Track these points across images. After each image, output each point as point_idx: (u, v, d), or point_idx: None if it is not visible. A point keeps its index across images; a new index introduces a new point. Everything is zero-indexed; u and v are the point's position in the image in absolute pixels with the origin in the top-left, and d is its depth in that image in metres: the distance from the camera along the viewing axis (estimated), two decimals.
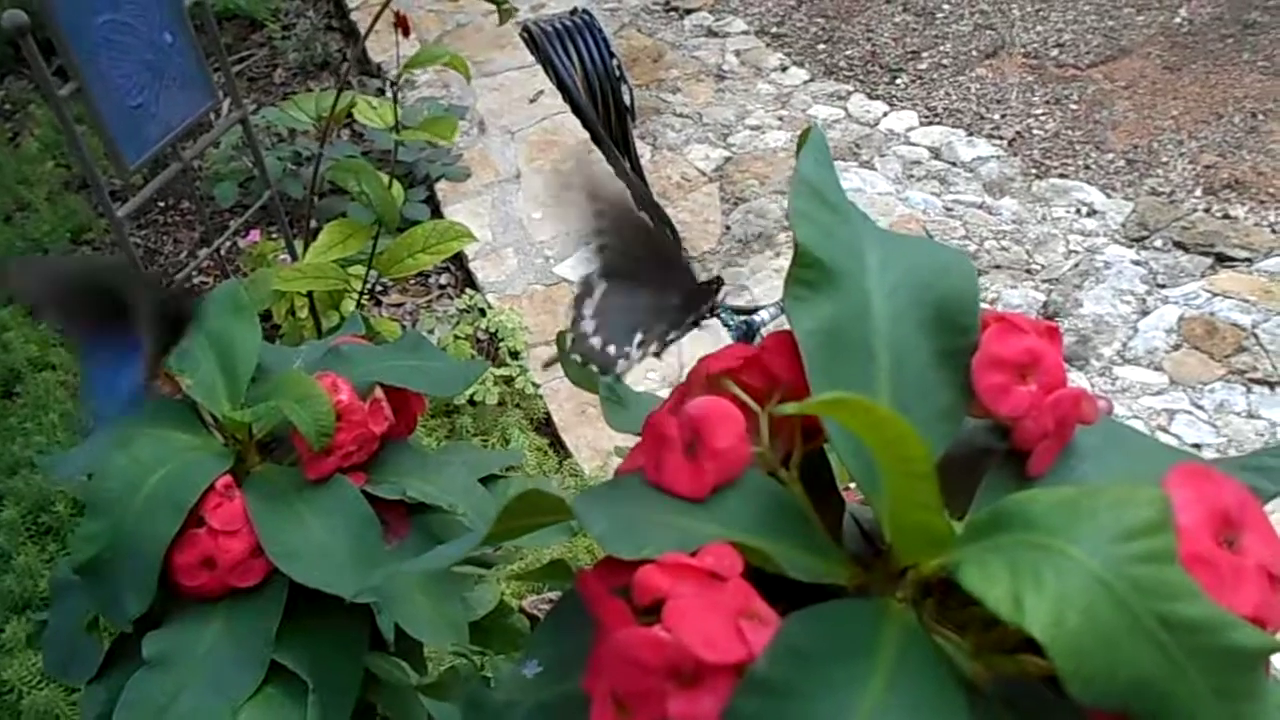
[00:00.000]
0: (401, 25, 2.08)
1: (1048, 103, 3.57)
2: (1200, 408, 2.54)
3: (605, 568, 0.31)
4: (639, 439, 0.36)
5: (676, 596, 0.28)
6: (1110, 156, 3.33)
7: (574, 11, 2.66)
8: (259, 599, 0.57)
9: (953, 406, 0.33)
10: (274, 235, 2.09)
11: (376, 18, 0.99)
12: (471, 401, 1.71)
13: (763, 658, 0.27)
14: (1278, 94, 3.41)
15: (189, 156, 1.03)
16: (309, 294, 1.14)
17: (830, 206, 0.34)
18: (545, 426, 1.76)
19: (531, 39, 2.48)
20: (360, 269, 1.10)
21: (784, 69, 3.79)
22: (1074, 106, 3.54)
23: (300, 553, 0.56)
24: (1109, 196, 3.16)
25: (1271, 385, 2.55)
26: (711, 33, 3.99)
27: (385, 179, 0.99)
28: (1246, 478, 0.32)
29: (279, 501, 0.58)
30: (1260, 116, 3.35)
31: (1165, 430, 2.49)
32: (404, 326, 1.92)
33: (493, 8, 2.92)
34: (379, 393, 0.63)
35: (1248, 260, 2.89)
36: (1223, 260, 2.91)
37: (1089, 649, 0.26)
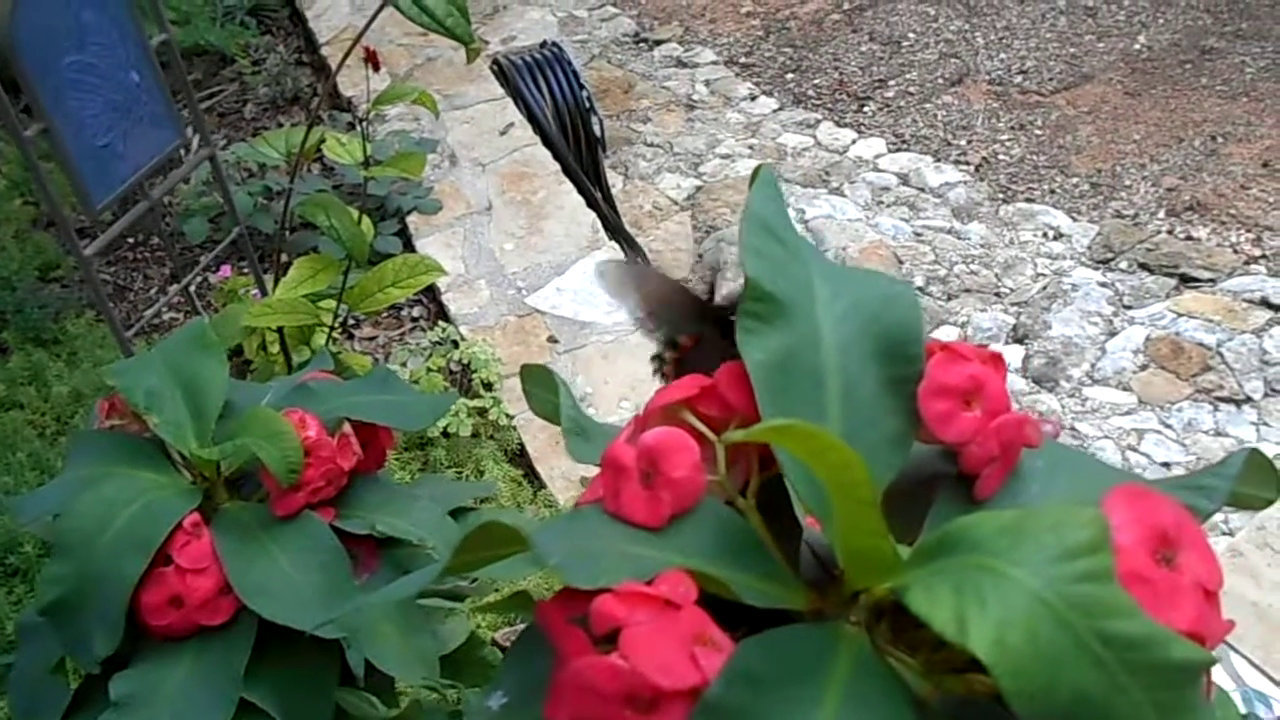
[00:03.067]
0: (371, 60, 2.09)
1: (1013, 128, 3.63)
2: (1169, 427, 2.58)
3: (564, 598, 0.31)
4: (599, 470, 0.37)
5: (632, 624, 0.28)
6: (1075, 180, 3.39)
7: (544, 44, 2.68)
8: (227, 637, 0.57)
9: (901, 433, 0.34)
10: (245, 270, 2.09)
11: (347, 53, 1.00)
12: (445, 434, 1.71)
13: (716, 683, 0.27)
14: (1235, 117, 3.48)
15: (157, 195, 1.03)
16: (279, 329, 1.14)
17: (780, 241, 0.35)
18: (519, 457, 1.76)
19: (501, 72, 2.50)
20: (331, 303, 1.10)
21: (753, 98, 3.83)
22: (1038, 132, 3.60)
23: (268, 589, 0.56)
24: (1074, 220, 3.21)
25: (1237, 403, 2.58)
26: (681, 63, 4.04)
27: (355, 214, 1.00)
28: (1185, 497, 0.33)
29: (247, 538, 0.59)
30: (1219, 139, 3.42)
31: (1135, 450, 2.52)
32: (377, 360, 1.92)
33: None
34: (347, 428, 0.63)
35: (1211, 281, 2.94)
36: (1187, 281, 2.95)
37: (1031, 667, 0.26)
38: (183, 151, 1.33)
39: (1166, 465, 2.48)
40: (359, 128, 2.15)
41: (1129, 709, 0.27)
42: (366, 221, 1.02)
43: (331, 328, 1.09)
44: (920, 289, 3.03)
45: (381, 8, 0.87)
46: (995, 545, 0.29)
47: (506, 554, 0.33)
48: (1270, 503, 0.36)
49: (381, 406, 0.66)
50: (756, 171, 0.38)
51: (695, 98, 3.85)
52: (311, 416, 0.62)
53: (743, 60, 4.05)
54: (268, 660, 0.57)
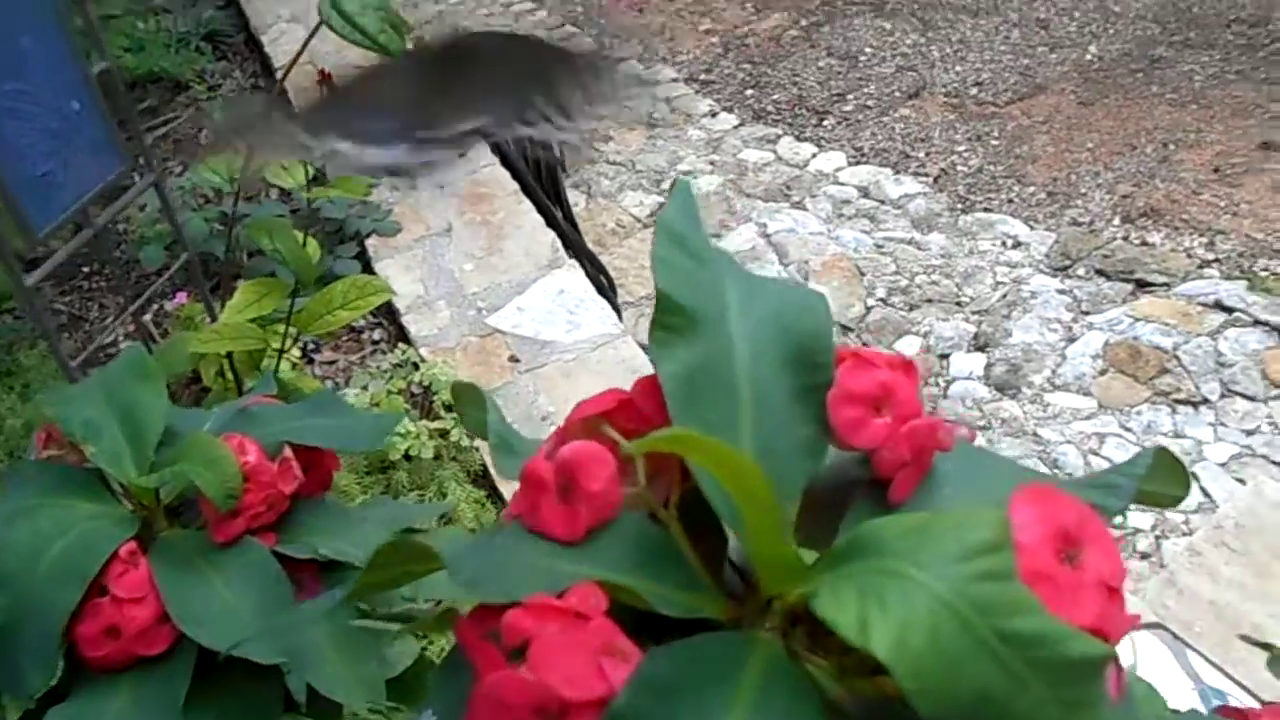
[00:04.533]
0: (326, 82, 2.09)
1: (969, 140, 3.67)
2: (1129, 430, 2.61)
3: (479, 614, 0.31)
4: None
5: (540, 637, 0.28)
6: (1032, 189, 3.43)
7: None
8: (166, 666, 0.56)
9: (813, 441, 0.34)
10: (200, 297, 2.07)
11: (287, 70, 1.00)
12: (407, 456, 1.70)
13: (622, 693, 0.27)
14: (1185, 124, 3.55)
15: (100, 222, 1.02)
16: (229, 355, 1.13)
17: (691, 253, 0.36)
18: (482, 478, 1.76)
19: None
20: (279, 325, 1.10)
21: (714, 115, 3.86)
22: (995, 142, 3.65)
23: (207, 617, 0.55)
24: (1032, 228, 3.26)
25: (1194, 405, 2.62)
26: (641, 81, 4.06)
27: (300, 236, 0.99)
28: (1093, 495, 0.34)
29: (185, 566, 0.58)
30: (1171, 146, 3.48)
31: (1096, 454, 2.55)
32: (337, 384, 1.91)
33: None
34: (287, 452, 0.63)
35: (1166, 285, 2.99)
36: (1143, 286, 3.00)
37: (931, 668, 0.27)
38: (136, 177, 1.32)
39: None
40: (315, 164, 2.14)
41: (1031, 705, 0.27)
42: (313, 243, 1.01)
43: (281, 351, 1.09)
44: (882, 300, 3.06)
45: (317, 28, 0.87)
46: (899, 548, 0.29)
47: (422, 571, 0.33)
48: (1179, 499, 0.37)
49: (324, 429, 0.66)
50: (674, 185, 0.38)
51: (656, 115, 3.88)
52: (251, 441, 0.61)
53: (703, 77, 4.08)
54: (208, 689, 0.56)
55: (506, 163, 2.40)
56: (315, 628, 0.57)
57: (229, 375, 1.57)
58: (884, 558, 0.29)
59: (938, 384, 2.80)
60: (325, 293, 1.04)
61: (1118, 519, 0.37)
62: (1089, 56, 3.95)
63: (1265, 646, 0.51)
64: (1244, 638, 0.54)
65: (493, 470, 1.68)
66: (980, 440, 2.70)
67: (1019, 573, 0.29)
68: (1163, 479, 0.36)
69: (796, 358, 0.34)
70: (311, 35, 0.84)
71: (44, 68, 0.88)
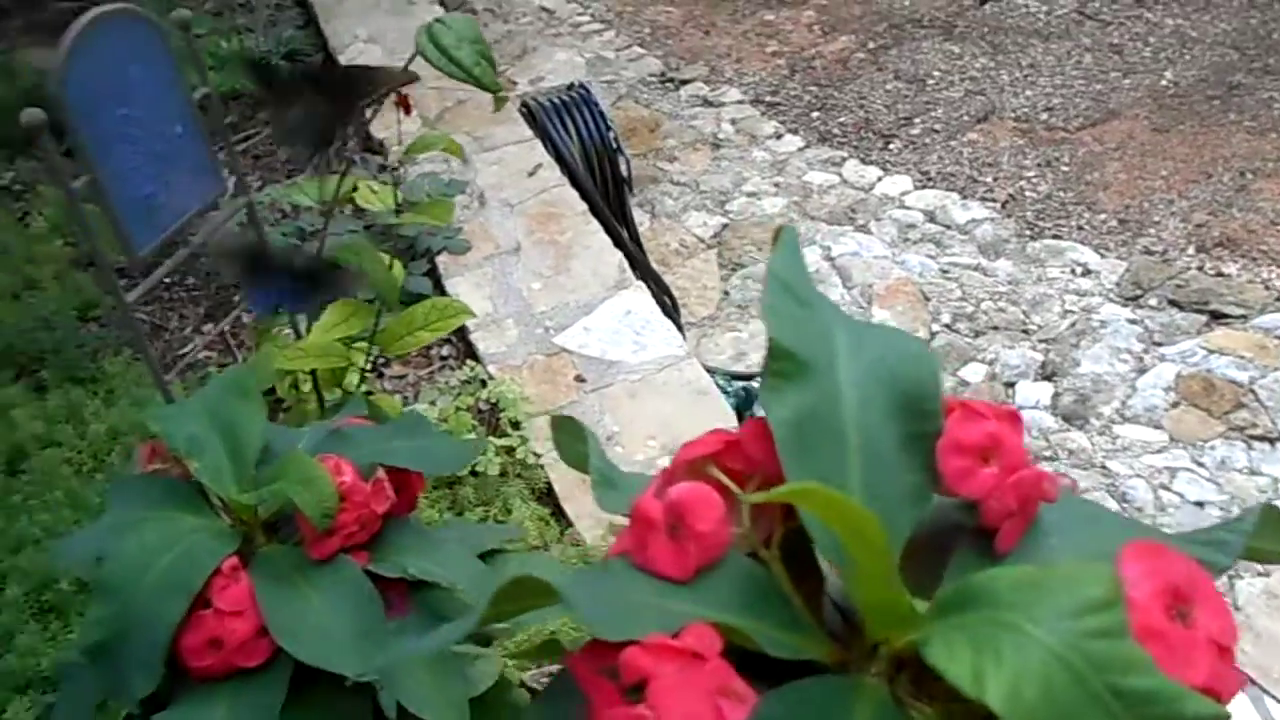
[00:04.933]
0: (403, 104, 2.13)
1: (1039, 165, 3.63)
2: (1201, 465, 2.55)
3: (594, 649, 0.33)
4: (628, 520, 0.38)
5: (659, 676, 0.29)
6: (1103, 217, 3.38)
7: (571, 86, 2.73)
8: (264, 678, 0.58)
9: (920, 488, 0.35)
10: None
11: (381, 98, 1.03)
12: (473, 472, 1.73)
13: None
14: (1264, 153, 3.47)
15: (197, 242, 1.06)
16: (312, 371, 1.16)
17: (800, 301, 0.37)
18: (546, 496, 1.77)
19: (530, 114, 2.54)
20: (363, 344, 1.12)
21: (779, 136, 3.86)
22: (1065, 168, 3.60)
23: (304, 632, 0.57)
24: (1103, 256, 3.20)
25: (1271, 441, 2.55)
26: (707, 102, 4.07)
27: (386, 258, 1.02)
28: (1199, 552, 0.34)
29: (284, 582, 0.60)
30: (1248, 175, 3.40)
31: (1167, 488, 2.49)
32: (405, 399, 1.94)
33: None
34: (381, 473, 0.65)
35: (1242, 317, 2.92)
36: (1218, 317, 2.93)
37: None
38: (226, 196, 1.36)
39: (1200, 504, 2.45)
40: (390, 174, 2.19)
41: None
42: (398, 266, 1.04)
43: (364, 370, 1.11)
44: (947, 326, 3.03)
45: (413, 57, 0.90)
46: (1012, 601, 0.29)
47: (539, 605, 0.34)
48: None
49: (413, 452, 0.67)
50: (778, 233, 0.39)
51: (721, 136, 3.89)
52: (346, 462, 0.63)
53: (768, 99, 4.08)
54: (303, 701, 0.58)
55: (575, 182, 2.43)
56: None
57: (302, 388, 1.61)
58: (997, 609, 0.29)
59: None
60: (408, 314, 1.06)
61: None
62: (1164, 82, 3.88)
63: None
64: None
65: (569, 502, 1.70)
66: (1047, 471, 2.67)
67: (1131, 629, 0.29)
68: (1270, 535, 0.36)
69: (904, 405, 0.35)
70: (407, 64, 0.86)
71: (151, 94, 0.92)
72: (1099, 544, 0.35)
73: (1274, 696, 1.20)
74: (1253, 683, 1.25)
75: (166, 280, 2.46)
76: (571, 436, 0.47)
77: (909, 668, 0.33)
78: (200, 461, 0.64)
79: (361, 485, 0.63)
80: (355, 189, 1.04)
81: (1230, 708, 0.32)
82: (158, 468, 0.68)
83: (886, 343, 0.37)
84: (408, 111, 2.06)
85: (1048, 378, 2.83)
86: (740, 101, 4.06)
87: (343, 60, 2.96)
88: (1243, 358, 2.78)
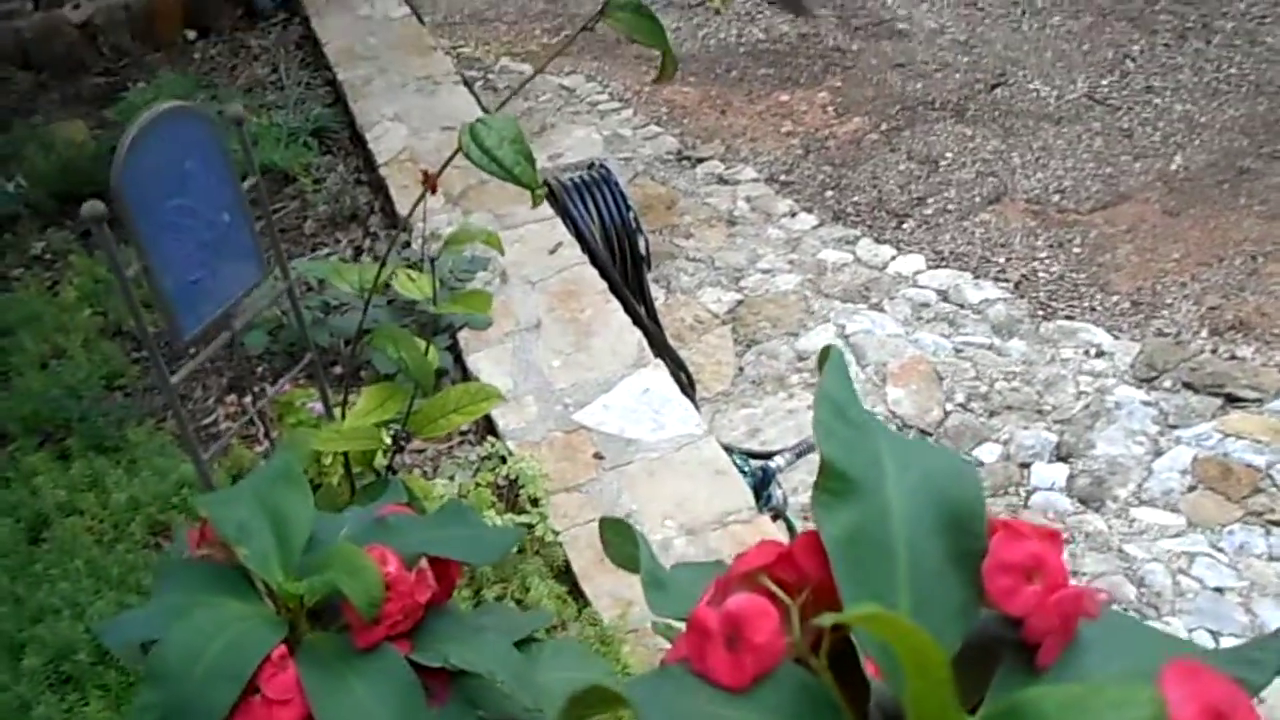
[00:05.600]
0: (429, 184, 2.19)
1: (1051, 246, 3.67)
2: (1220, 550, 2.54)
3: None
4: (681, 624, 0.40)
5: None
6: (1115, 298, 3.41)
7: (592, 165, 2.79)
8: None
9: (967, 604, 0.36)
10: (300, 382, 2.15)
11: (417, 201, 1.07)
12: None
13: None
14: (1275, 237, 3.51)
15: (239, 326, 1.09)
16: (345, 454, 1.19)
17: (849, 421, 0.39)
18: (564, 574, 1.78)
19: (551, 192, 2.60)
20: (394, 423, 1.15)
21: (793, 214, 3.92)
22: (1077, 250, 3.65)
23: None
24: (1116, 338, 3.23)
25: None
26: (723, 180, 4.15)
27: (422, 344, 1.05)
28: (1236, 670, 0.36)
29: (329, 670, 0.61)
30: (1260, 259, 3.44)
31: (1185, 573, 2.48)
32: (425, 473, 1.96)
33: None
34: (424, 563, 0.66)
35: (1258, 401, 2.93)
36: (1232, 401, 2.94)
37: None
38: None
39: (1219, 590, 2.44)
40: (416, 247, 2.23)
41: None
42: (434, 351, 1.07)
43: (392, 454, 1.14)
44: (961, 405, 3.04)
45: (454, 155, 0.93)
46: (1058, 717, 0.31)
47: (605, 711, 0.36)
48: None
49: (456, 541, 0.69)
50: (825, 352, 0.41)
51: (736, 214, 3.95)
52: (391, 552, 0.65)
53: (783, 178, 4.16)
54: None
55: (595, 260, 2.47)
56: None
57: (323, 462, 1.63)
58: None
59: (1018, 494, 2.76)
60: (440, 398, 1.09)
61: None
62: (1174, 166, 3.94)
63: None
64: None
65: (587, 581, 1.71)
66: (1064, 555, 2.66)
67: None
68: None
69: (950, 524, 0.37)
70: (447, 163, 0.90)
71: (203, 186, 0.96)
72: (1137, 661, 0.37)
73: None
74: None
75: (190, 351, 2.50)
76: (621, 537, 0.49)
77: None
78: (249, 548, 0.66)
79: (406, 575, 0.65)
80: (394, 276, 1.07)
81: None
82: (205, 553, 0.70)
83: (932, 461, 0.39)
84: (434, 191, 2.11)
85: (1063, 459, 2.84)
86: (755, 180, 4.13)
87: (369, 138, 3.04)
88: (1259, 442, 2.78)
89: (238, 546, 0.67)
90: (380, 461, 1.24)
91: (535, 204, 0.92)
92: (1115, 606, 2.32)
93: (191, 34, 3.96)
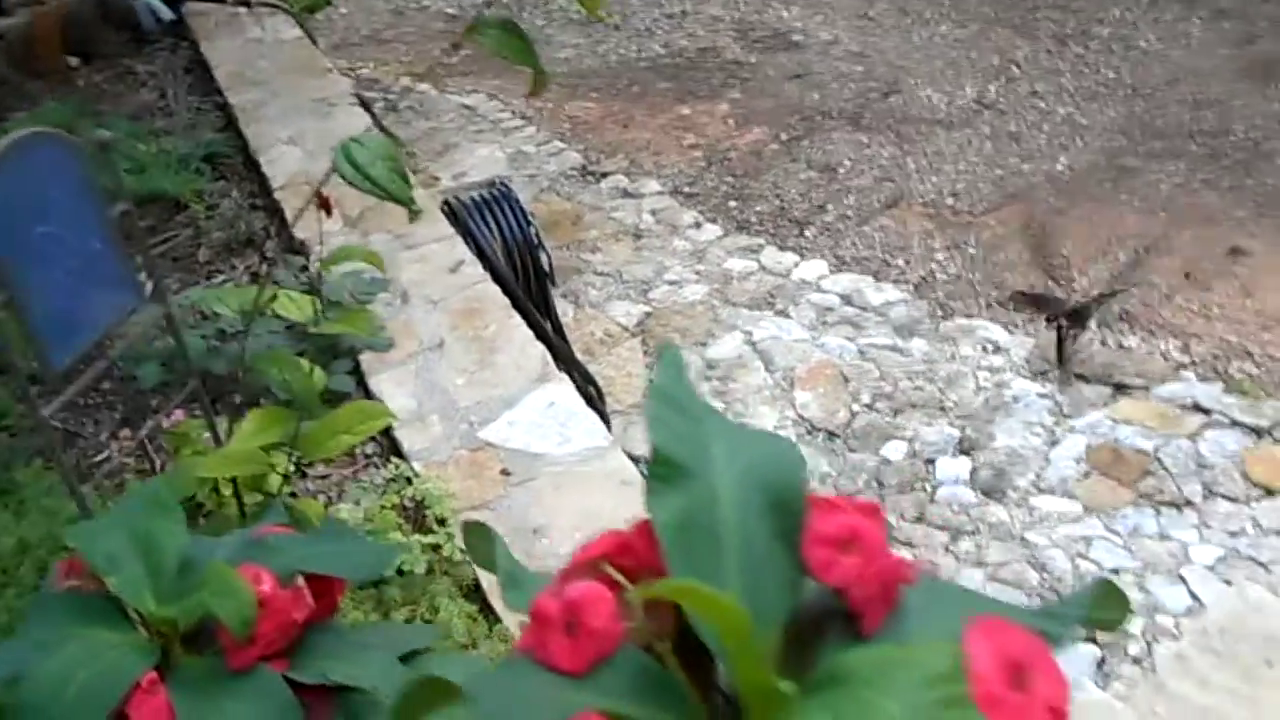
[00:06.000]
0: (324, 205, 2.16)
1: (947, 248, 3.78)
2: (1115, 533, 2.64)
3: None
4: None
5: None
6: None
7: (492, 183, 2.79)
8: None
9: (792, 579, 0.38)
10: (197, 413, 2.10)
11: (296, 216, 1.06)
12: (400, 571, 1.72)
13: None
14: (1155, 231, 3.67)
15: (114, 355, 1.07)
16: (233, 478, 1.17)
17: (682, 411, 0.40)
18: (474, 593, 1.77)
19: (451, 211, 2.59)
20: (284, 447, 1.14)
21: (698, 226, 3.97)
22: (972, 250, 3.76)
23: None
24: (1011, 334, 3.33)
25: (1179, 507, 2.66)
26: (627, 194, 4.18)
27: (306, 366, 1.04)
28: (1043, 625, 0.38)
29: (201, 694, 0.61)
30: (1142, 252, 3.59)
31: (1084, 557, 2.57)
32: (330, 499, 1.93)
33: (413, 180, 3.02)
34: (300, 580, 0.66)
35: (1145, 388, 3.06)
36: (1121, 389, 3.06)
37: None
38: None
39: (1115, 571, 2.53)
40: (311, 281, 2.20)
41: None
42: (318, 372, 1.06)
43: (286, 475, 1.12)
44: (867, 405, 3.11)
45: (329, 174, 0.93)
46: (869, 677, 0.33)
47: (447, 705, 0.36)
48: (1122, 624, 0.41)
49: (333, 557, 0.69)
50: (662, 351, 0.43)
51: (642, 227, 3.98)
52: (266, 571, 0.65)
53: (687, 190, 4.21)
54: None
55: (497, 277, 2.47)
56: None
57: (223, 492, 1.60)
58: (855, 687, 0.33)
59: (924, 489, 2.83)
60: (329, 419, 1.08)
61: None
62: (1059, 167, 4.09)
63: None
64: None
65: (497, 598, 1.70)
66: (969, 545, 2.70)
67: (974, 698, 0.32)
68: (1107, 607, 0.40)
69: (775, 504, 0.39)
70: (325, 179, 0.90)
71: (69, 213, 0.94)
72: (954, 623, 0.39)
73: None
74: None
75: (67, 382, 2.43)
76: (481, 539, 0.50)
77: None
78: (118, 578, 0.65)
79: (281, 593, 0.64)
80: (274, 298, 1.06)
81: None
82: (74, 584, 0.68)
83: (760, 446, 0.41)
84: (329, 213, 2.09)
85: (965, 453, 2.92)
86: (660, 193, 4.17)
87: (263, 161, 2.99)
88: (1148, 427, 2.90)
89: (107, 576, 0.66)
90: (280, 486, 1.22)
91: (412, 219, 0.92)
92: (1021, 595, 2.37)
93: (74, 61, 3.85)
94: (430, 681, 0.35)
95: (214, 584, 0.63)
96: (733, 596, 0.33)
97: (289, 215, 2.74)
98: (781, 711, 0.34)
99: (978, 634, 0.35)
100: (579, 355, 2.95)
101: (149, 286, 1.12)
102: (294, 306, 1.07)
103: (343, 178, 0.85)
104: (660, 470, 0.39)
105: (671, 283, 3.68)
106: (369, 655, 0.69)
